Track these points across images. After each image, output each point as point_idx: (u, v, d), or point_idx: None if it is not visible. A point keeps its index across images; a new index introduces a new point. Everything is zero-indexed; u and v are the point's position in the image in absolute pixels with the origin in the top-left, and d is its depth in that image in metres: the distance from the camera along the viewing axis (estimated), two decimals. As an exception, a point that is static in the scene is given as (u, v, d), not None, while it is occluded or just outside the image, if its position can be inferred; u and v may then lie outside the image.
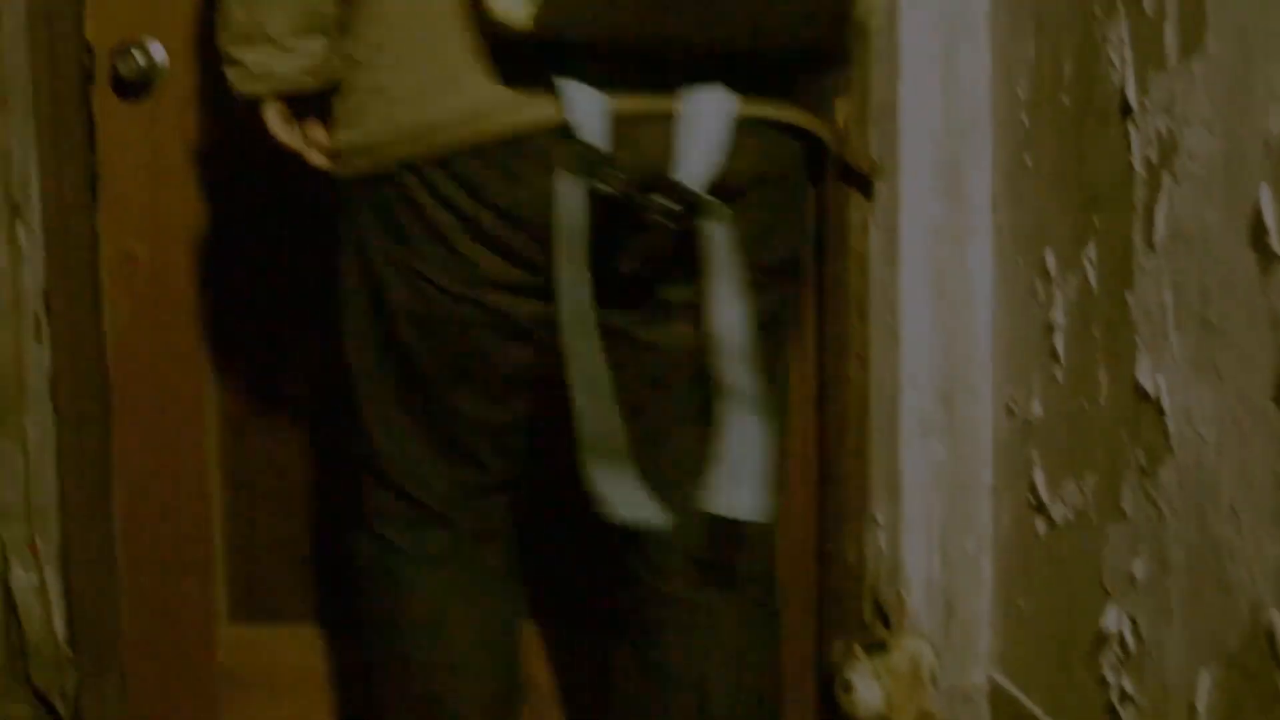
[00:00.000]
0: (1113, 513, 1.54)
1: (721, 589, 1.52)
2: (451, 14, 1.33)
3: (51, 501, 1.96)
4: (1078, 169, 1.59)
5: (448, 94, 1.34)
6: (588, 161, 1.30)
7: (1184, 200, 1.38)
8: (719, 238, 1.34)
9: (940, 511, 1.88)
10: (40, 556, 1.96)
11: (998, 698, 1.86)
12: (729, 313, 1.37)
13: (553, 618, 2.06)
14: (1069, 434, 1.64)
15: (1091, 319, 1.58)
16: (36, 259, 1.92)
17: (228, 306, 2.04)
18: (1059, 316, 1.65)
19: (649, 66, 1.33)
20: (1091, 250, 1.56)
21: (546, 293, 1.37)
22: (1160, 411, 1.43)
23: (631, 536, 1.50)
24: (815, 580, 2.05)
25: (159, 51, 1.97)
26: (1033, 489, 1.73)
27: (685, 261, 1.36)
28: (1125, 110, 1.47)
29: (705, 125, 1.33)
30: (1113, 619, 1.55)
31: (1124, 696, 1.53)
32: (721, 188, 1.34)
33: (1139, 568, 1.49)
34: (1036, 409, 1.72)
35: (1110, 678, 1.56)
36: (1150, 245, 1.44)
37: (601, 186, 1.30)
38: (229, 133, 1.98)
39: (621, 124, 1.32)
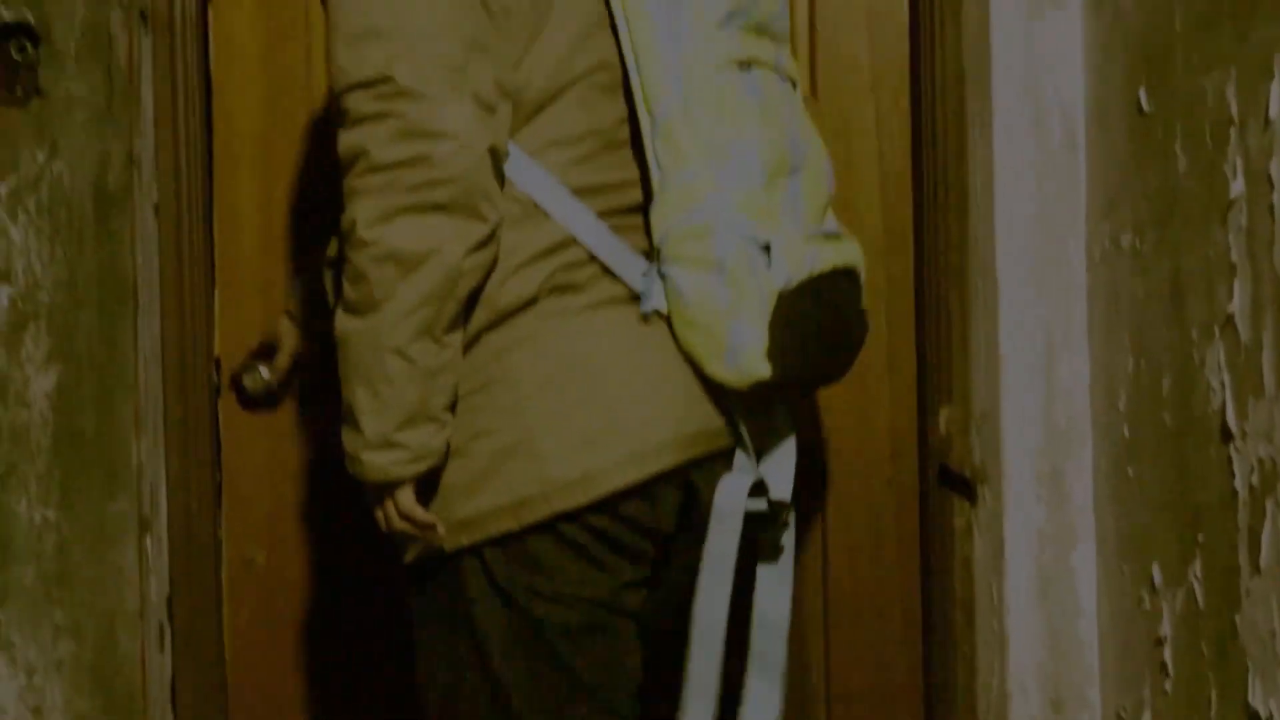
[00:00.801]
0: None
1: None
2: (611, 359, 1.47)
3: (168, 807, 1.97)
4: (1180, 485, 1.60)
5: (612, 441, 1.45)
6: (748, 485, 1.51)
7: (1289, 528, 1.38)
8: (787, 541, 1.64)
9: (1055, 820, 1.84)
10: None
11: None
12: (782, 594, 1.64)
13: None
14: (1184, 750, 1.62)
15: (1201, 635, 1.57)
16: (162, 568, 1.94)
17: (342, 613, 2.09)
18: (1167, 629, 1.64)
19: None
20: (1197, 567, 1.56)
21: (653, 581, 1.55)
22: (1276, 740, 1.42)
23: None
24: None
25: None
26: (1149, 803, 1.70)
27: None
28: (1226, 435, 1.49)
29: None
30: None
31: None
32: None
33: None
34: (1149, 721, 1.70)
35: None
36: (1256, 569, 1.44)
37: (755, 507, 1.52)
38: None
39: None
